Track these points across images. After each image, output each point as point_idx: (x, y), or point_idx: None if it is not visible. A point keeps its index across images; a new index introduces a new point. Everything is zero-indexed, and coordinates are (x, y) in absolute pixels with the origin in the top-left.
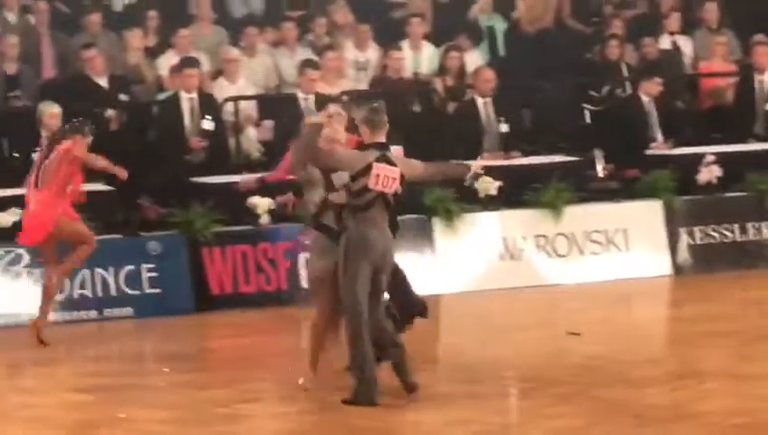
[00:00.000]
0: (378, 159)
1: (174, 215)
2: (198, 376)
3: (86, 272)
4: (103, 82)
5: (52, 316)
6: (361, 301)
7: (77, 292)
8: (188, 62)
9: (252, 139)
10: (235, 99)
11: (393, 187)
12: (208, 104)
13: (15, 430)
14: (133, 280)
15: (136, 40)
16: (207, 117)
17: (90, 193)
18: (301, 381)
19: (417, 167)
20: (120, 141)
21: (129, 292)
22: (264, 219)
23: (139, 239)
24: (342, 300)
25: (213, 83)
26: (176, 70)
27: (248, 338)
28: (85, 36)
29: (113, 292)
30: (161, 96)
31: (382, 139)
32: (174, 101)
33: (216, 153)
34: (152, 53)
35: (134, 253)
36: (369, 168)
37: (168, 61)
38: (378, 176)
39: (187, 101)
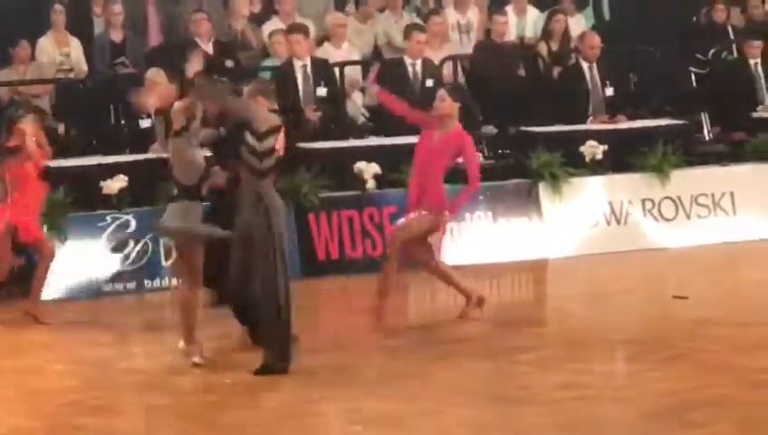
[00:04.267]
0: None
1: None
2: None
3: None
4: (209, 48)
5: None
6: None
7: None
8: (296, 28)
9: (358, 104)
10: (344, 64)
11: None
12: (321, 70)
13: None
14: None
15: (242, 6)
16: (321, 83)
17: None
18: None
19: None
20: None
21: None
22: (371, 184)
23: None
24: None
25: (318, 49)
26: (282, 36)
27: (355, 303)
28: (191, 3)
29: None
30: (267, 62)
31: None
32: (287, 67)
33: (324, 118)
34: (257, 20)
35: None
36: (279, 129)
37: (273, 26)
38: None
39: (300, 67)
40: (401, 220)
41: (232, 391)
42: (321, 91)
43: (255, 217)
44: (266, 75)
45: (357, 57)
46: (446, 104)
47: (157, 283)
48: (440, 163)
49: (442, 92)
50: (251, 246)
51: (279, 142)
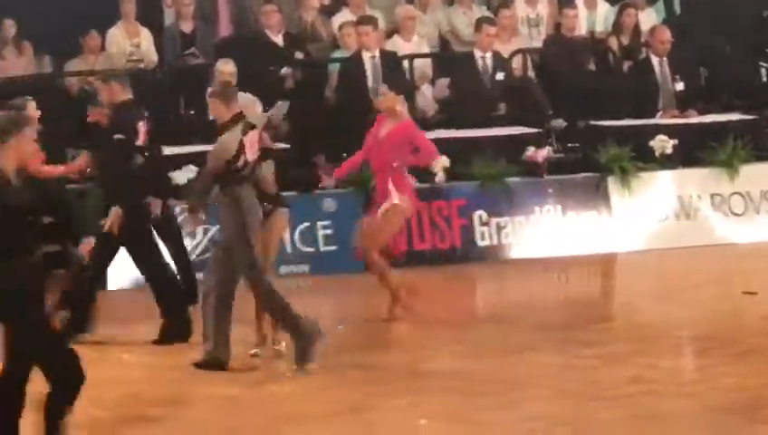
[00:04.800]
0: (243, 132)
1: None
2: (367, 335)
3: None
4: (278, 39)
5: None
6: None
7: None
8: (366, 21)
9: (427, 97)
10: (414, 57)
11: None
12: (390, 63)
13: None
14: (308, 238)
15: None
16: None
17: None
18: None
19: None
20: (296, 100)
21: (305, 249)
22: (440, 177)
23: (314, 197)
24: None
25: (387, 41)
26: (352, 28)
27: (423, 295)
28: None
29: (289, 249)
30: (336, 54)
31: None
32: (356, 59)
33: None
34: (327, 11)
35: (309, 210)
36: (241, 146)
37: (343, 18)
38: (248, 147)
39: (369, 59)
40: (367, 226)
41: (294, 384)
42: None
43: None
44: (335, 67)
45: (426, 50)
46: (386, 98)
47: None
48: (391, 158)
49: (383, 87)
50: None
51: (252, 139)
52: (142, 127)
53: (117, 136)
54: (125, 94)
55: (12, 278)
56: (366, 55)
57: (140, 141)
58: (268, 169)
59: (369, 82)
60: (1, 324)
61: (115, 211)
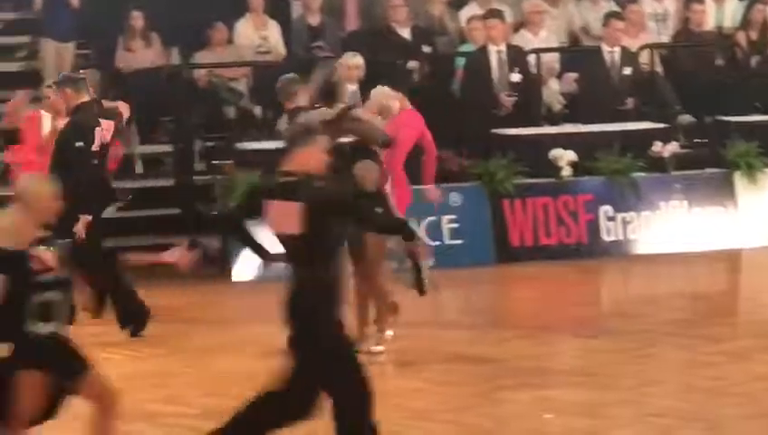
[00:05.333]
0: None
1: (476, 166)
2: (493, 329)
3: None
4: (406, 33)
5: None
6: None
7: None
8: (493, 15)
9: (554, 91)
10: (540, 51)
11: None
12: (516, 57)
13: None
14: (435, 231)
15: None
16: (515, 69)
17: None
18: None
19: None
20: (423, 93)
21: (431, 243)
22: (566, 172)
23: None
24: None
25: (515, 35)
26: (480, 22)
27: (548, 290)
28: None
29: None
30: (463, 48)
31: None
32: (482, 53)
33: (518, 105)
34: (455, 5)
35: (435, 204)
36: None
37: (470, 12)
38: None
39: (495, 53)
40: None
41: (421, 377)
42: (515, 78)
43: None
44: (461, 61)
45: (555, 44)
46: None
47: None
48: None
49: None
50: None
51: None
52: (104, 129)
53: (78, 144)
54: (81, 97)
55: None
56: (492, 49)
57: (95, 146)
58: (366, 168)
59: (495, 76)
60: None
61: (83, 219)
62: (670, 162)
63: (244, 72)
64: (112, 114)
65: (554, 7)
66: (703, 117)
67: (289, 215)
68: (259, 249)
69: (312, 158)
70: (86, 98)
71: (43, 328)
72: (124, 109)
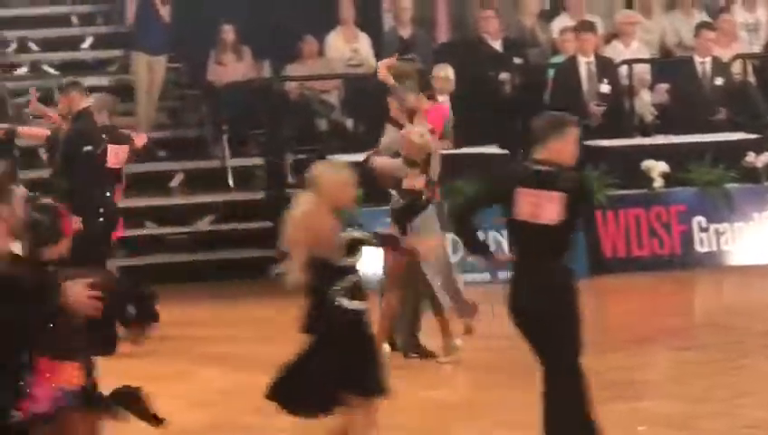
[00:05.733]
0: None
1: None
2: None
3: None
4: (497, 45)
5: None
6: None
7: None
8: (585, 26)
9: (646, 102)
10: (631, 62)
11: None
12: (605, 68)
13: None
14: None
15: (532, 3)
16: (604, 80)
17: (482, 155)
18: None
19: None
20: (515, 105)
21: None
22: (658, 183)
23: None
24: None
25: (606, 47)
26: (571, 33)
27: (641, 302)
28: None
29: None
30: (555, 59)
31: None
32: (571, 64)
33: (610, 116)
34: (547, 16)
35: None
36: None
37: (561, 24)
38: None
39: (585, 64)
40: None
41: (509, 387)
42: (604, 88)
43: None
44: (550, 72)
45: (646, 55)
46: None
47: None
48: None
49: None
50: None
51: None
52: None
53: (86, 148)
54: (85, 102)
55: None
56: (581, 60)
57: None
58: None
59: (584, 87)
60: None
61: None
62: (763, 172)
63: (335, 84)
64: (125, 139)
65: (647, 18)
66: None
67: (548, 204)
68: (482, 247)
69: (565, 149)
70: (87, 104)
71: (350, 305)
72: (139, 140)
